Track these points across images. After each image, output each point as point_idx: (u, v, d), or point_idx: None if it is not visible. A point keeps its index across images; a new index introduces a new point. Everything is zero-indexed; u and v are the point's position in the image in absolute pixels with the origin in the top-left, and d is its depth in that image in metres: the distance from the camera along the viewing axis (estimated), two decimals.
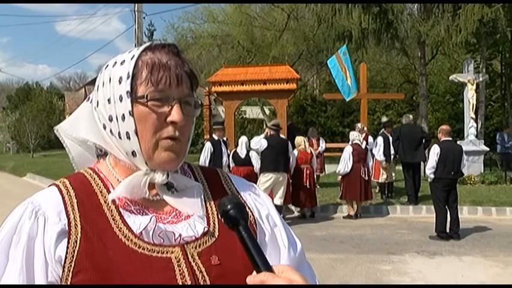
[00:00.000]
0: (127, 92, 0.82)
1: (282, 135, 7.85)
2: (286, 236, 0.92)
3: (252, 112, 24.39)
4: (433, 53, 18.99)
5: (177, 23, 21.34)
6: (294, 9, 18.65)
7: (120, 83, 0.83)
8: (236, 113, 13.23)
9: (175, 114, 0.82)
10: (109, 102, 0.84)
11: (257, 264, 0.73)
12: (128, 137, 0.83)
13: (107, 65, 0.87)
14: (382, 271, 5.27)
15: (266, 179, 7.35)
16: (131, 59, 0.84)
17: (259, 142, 7.53)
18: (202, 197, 0.89)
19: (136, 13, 16.11)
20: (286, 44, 19.04)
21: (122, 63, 0.85)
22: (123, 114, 0.83)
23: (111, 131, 0.85)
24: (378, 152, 9.21)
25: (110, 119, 0.84)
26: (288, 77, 10.66)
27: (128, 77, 0.83)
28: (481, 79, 12.59)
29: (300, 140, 8.39)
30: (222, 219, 0.79)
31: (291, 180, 8.00)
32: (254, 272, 0.73)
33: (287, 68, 11.21)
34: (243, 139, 7.90)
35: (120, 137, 0.84)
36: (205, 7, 20.91)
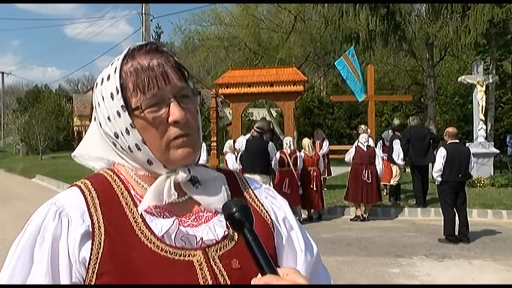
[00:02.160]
0: (122, 107, 0.82)
1: (264, 138, 7.90)
2: (303, 239, 0.91)
3: (259, 114, 24.39)
4: (441, 54, 18.81)
5: (184, 26, 21.45)
6: (301, 11, 18.63)
7: (112, 99, 0.83)
8: (243, 115, 13.24)
9: (175, 113, 0.81)
10: (109, 120, 0.84)
11: (262, 267, 0.73)
12: (138, 148, 0.83)
13: (96, 84, 0.87)
14: (390, 274, 5.21)
15: None
16: (114, 72, 0.83)
17: (241, 142, 7.75)
18: (226, 186, 0.88)
19: (143, 16, 16.21)
20: (293, 46, 19.02)
21: (108, 79, 0.84)
22: (126, 128, 0.83)
23: (121, 146, 0.85)
24: (398, 156, 9.06)
25: (116, 136, 0.85)
26: (295, 79, 10.64)
27: (118, 92, 0.82)
28: (490, 80, 12.46)
29: (304, 142, 8.40)
30: (228, 222, 0.79)
31: (299, 183, 7.97)
32: (259, 275, 0.73)
33: (294, 70, 11.18)
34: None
35: (131, 150, 0.84)
36: (212, 9, 20.99)
